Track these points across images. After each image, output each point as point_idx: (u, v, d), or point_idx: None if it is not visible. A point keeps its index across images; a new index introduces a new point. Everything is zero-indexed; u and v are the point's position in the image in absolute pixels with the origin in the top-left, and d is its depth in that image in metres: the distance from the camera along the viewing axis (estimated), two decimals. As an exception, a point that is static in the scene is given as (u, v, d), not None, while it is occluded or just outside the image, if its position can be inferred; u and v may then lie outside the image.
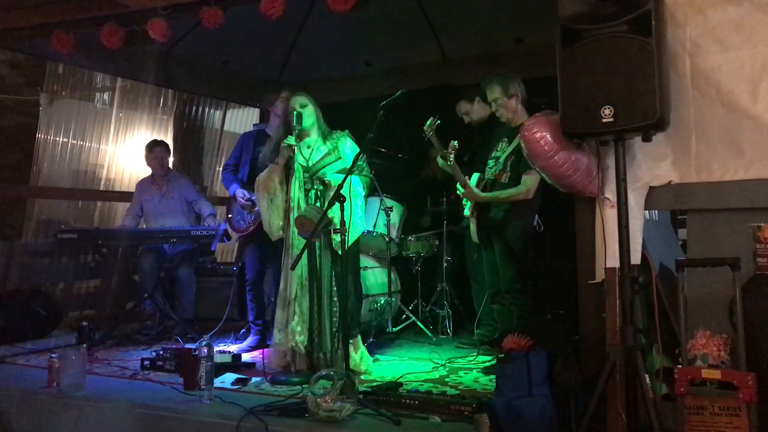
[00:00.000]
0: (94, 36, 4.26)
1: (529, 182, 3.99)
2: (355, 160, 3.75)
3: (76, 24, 4.35)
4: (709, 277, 2.66)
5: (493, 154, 4.27)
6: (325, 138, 4.09)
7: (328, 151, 4.03)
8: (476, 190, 4.19)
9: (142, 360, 4.18)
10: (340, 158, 4.00)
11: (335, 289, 3.93)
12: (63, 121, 6.18)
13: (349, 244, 3.79)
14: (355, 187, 3.92)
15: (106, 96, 6.71)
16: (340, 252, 3.75)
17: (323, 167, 3.99)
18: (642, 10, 2.49)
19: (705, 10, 2.70)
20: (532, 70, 4.90)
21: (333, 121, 4.27)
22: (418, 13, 5.38)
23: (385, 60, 6.10)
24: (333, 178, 3.94)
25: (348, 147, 4.05)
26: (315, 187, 4.00)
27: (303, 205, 3.96)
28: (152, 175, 5.65)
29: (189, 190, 5.68)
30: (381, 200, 5.26)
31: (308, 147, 4.06)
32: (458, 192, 4.35)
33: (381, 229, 5.24)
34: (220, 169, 6.83)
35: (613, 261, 2.73)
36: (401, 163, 5.70)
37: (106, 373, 4.11)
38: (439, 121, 4.16)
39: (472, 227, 4.37)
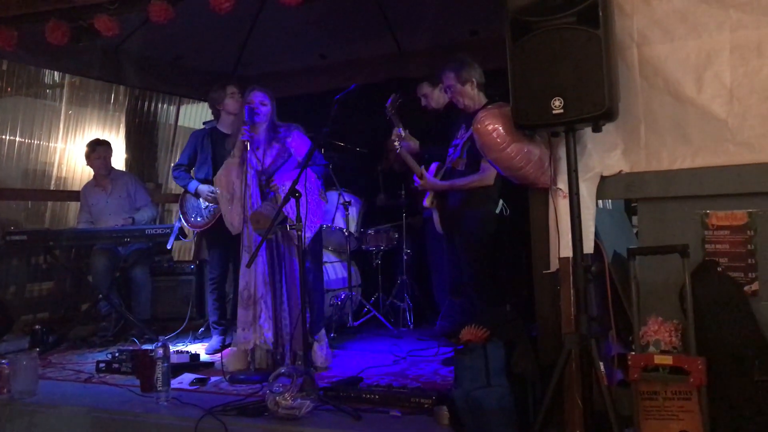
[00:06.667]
0: (40, 32, 4.13)
1: (487, 168, 3.98)
2: (308, 157, 3.63)
3: (19, 19, 4.21)
4: (660, 265, 2.70)
5: (453, 142, 4.25)
6: (271, 138, 4.00)
7: (277, 152, 3.96)
8: (432, 180, 4.17)
9: (98, 363, 4.10)
10: (291, 155, 3.94)
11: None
12: (10, 119, 6.01)
13: (308, 240, 3.75)
14: (309, 185, 3.82)
15: (55, 93, 6.53)
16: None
17: (276, 170, 3.94)
18: (589, 1, 2.50)
19: (651, 1, 2.72)
20: (487, 61, 4.86)
21: (288, 115, 4.21)
22: (372, 5, 5.35)
23: (340, 53, 6.06)
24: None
25: (295, 141, 3.94)
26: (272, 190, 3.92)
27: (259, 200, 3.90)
28: (95, 177, 5.53)
29: (138, 193, 5.56)
30: (339, 194, 5.23)
31: (258, 148, 3.98)
32: (416, 184, 4.33)
33: (340, 223, 5.22)
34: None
35: (567, 251, 2.75)
36: (359, 157, 5.67)
37: (60, 377, 4.02)
38: (401, 99, 4.13)
39: (436, 217, 4.37)
